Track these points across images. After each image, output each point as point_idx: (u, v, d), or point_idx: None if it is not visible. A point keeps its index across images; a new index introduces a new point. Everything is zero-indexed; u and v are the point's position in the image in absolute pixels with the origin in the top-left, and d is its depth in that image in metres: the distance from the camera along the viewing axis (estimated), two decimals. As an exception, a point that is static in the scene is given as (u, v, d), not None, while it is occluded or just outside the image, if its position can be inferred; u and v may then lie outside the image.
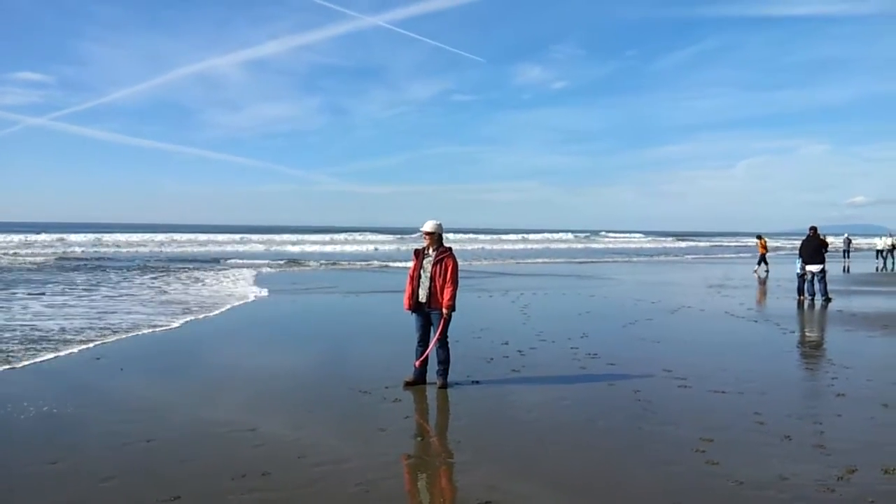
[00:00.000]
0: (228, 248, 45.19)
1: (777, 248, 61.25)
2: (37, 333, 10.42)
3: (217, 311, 13.71)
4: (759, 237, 29.75)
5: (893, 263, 33.43)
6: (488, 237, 77.48)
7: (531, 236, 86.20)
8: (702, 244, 78.22)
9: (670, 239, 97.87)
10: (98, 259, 32.06)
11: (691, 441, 5.47)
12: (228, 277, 22.31)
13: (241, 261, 31.90)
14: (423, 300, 7.27)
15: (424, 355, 7.35)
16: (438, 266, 7.23)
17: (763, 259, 28.13)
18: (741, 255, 49.68)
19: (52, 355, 8.92)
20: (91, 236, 53.88)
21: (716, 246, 73.13)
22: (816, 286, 16.38)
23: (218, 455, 5.13)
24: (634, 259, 42.32)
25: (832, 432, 5.73)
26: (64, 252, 36.63)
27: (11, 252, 35.25)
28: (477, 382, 7.57)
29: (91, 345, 9.74)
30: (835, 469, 4.82)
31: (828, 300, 15.99)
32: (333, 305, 15.82)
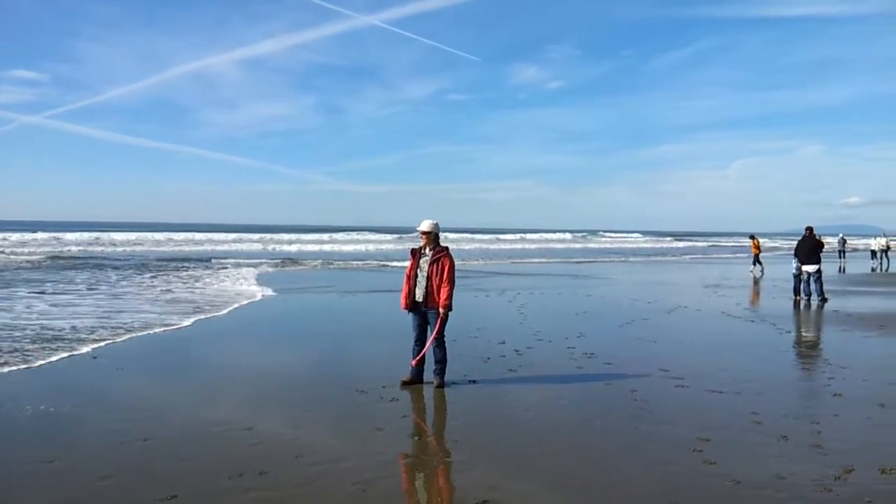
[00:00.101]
0: (225, 248, 45.09)
1: (774, 249, 61.39)
2: (49, 333, 10.36)
3: (226, 310, 13.71)
4: (751, 237, 29.82)
5: (888, 264, 33.52)
6: (486, 237, 77.56)
7: (529, 236, 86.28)
8: (699, 244, 78.32)
9: (668, 239, 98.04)
10: (94, 258, 31.95)
11: (688, 441, 5.47)
12: (229, 277, 22.24)
13: (238, 260, 31.79)
14: (420, 299, 7.27)
15: (421, 354, 7.34)
16: (435, 265, 7.22)
17: (756, 259, 28.19)
18: (738, 255, 49.77)
19: (66, 354, 8.90)
20: (87, 235, 53.71)
21: (713, 246, 73.27)
22: (812, 286, 16.43)
23: (215, 454, 5.12)
24: (631, 259, 42.35)
25: (829, 432, 5.75)
26: (61, 251, 36.45)
27: (8, 250, 35.11)
28: (474, 382, 7.56)
29: (103, 343, 9.74)
30: (832, 469, 4.83)
31: (824, 300, 16.03)
32: (335, 305, 15.80)
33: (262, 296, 16.56)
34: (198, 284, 19.23)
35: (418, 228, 7.35)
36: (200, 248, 44.09)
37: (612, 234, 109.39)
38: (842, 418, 6.21)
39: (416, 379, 7.39)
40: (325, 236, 66.42)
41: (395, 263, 31.12)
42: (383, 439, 5.53)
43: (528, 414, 6.36)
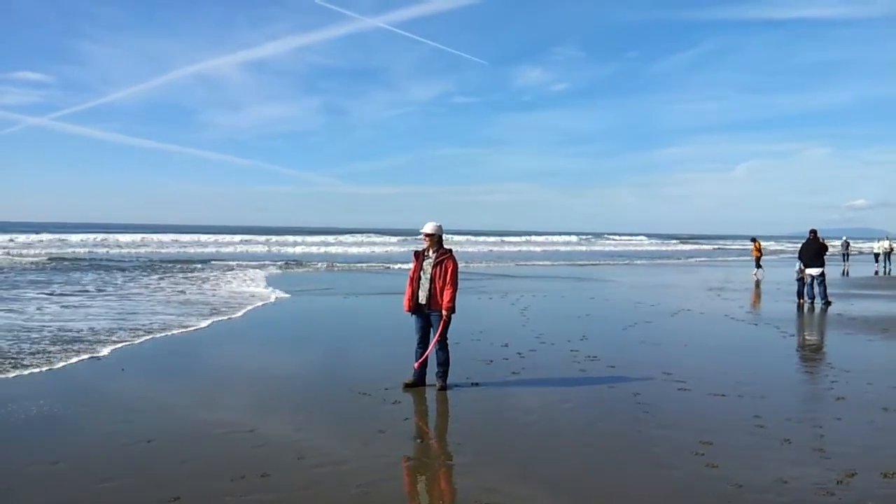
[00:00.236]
0: (230, 249, 45.18)
1: (779, 252, 61.31)
2: (68, 334, 10.39)
3: (242, 312, 13.75)
4: (753, 240, 29.73)
5: (890, 267, 33.40)
6: (491, 239, 77.56)
7: (534, 238, 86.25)
8: (705, 247, 78.17)
9: (674, 242, 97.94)
10: (99, 259, 32.06)
11: (691, 444, 5.47)
12: (237, 278, 22.28)
13: (245, 262, 31.77)
14: (423, 302, 7.28)
15: (424, 357, 7.35)
16: (438, 268, 7.24)
17: (758, 262, 28.12)
18: (742, 258, 49.66)
19: (87, 356, 8.93)
20: (91, 236, 53.90)
21: (717, 249, 73.15)
22: (816, 289, 16.39)
23: (218, 456, 5.14)
24: (636, 262, 42.29)
25: (832, 436, 5.74)
26: (66, 252, 36.59)
27: (14, 252, 35.22)
28: (476, 384, 7.57)
29: (122, 345, 9.81)
30: (834, 473, 4.82)
31: (827, 303, 16.00)
32: (343, 307, 15.81)
33: (276, 298, 16.59)
34: (208, 286, 19.26)
35: (421, 231, 7.37)
36: (205, 249, 44.12)
37: (618, 237, 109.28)
38: (844, 422, 6.20)
39: (418, 381, 7.40)
40: (331, 238, 66.45)
41: (398, 266, 31.15)
42: (386, 442, 5.53)
43: (530, 417, 6.36)
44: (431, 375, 7.43)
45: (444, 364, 7.36)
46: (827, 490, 4.50)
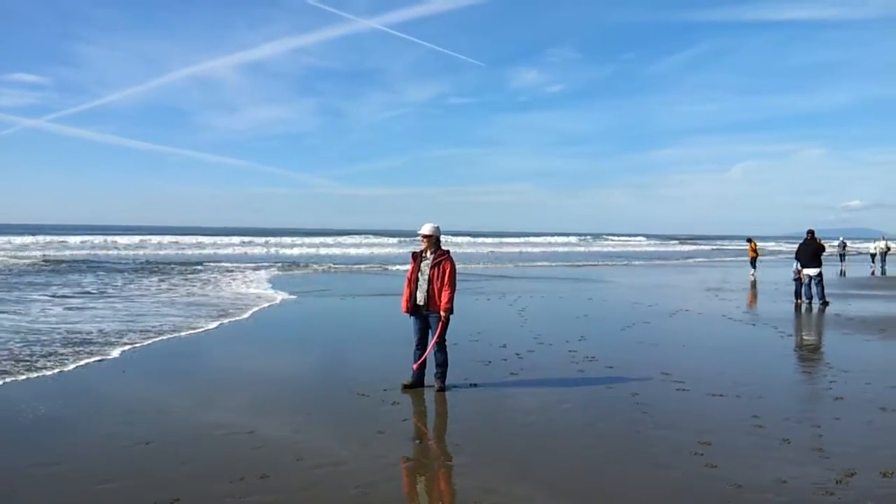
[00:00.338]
0: (229, 251, 44.99)
1: (777, 252, 61.46)
2: (77, 337, 10.35)
3: (248, 314, 13.74)
4: (749, 240, 29.79)
5: (884, 265, 33.46)
6: (490, 240, 77.55)
7: (533, 239, 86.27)
8: (704, 248, 78.23)
9: (674, 242, 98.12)
10: (97, 261, 31.97)
11: (689, 444, 5.47)
12: (237, 280, 22.24)
13: (245, 264, 31.57)
14: (422, 303, 7.28)
15: (423, 358, 7.35)
16: (436, 269, 7.23)
17: (753, 262, 28.15)
18: (740, 258, 49.70)
19: (99, 358, 8.92)
20: (88, 238, 53.73)
21: (715, 249, 73.23)
22: (814, 290, 16.42)
23: (217, 457, 5.13)
24: (634, 262, 42.32)
25: (830, 436, 5.74)
26: (63, 254, 36.50)
27: (10, 253, 35.09)
28: (475, 385, 7.56)
29: (133, 346, 9.80)
30: (833, 472, 4.82)
31: (825, 304, 16.02)
32: (346, 308, 15.81)
33: (282, 300, 16.57)
34: (211, 288, 19.21)
35: (419, 232, 7.37)
36: (202, 251, 44.05)
37: (616, 238, 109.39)
38: (843, 422, 6.20)
39: (417, 382, 7.39)
40: (330, 240, 66.27)
41: (398, 267, 31.15)
42: (384, 443, 5.53)
43: (528, 417, 6.36)
44: (430, 376, 7.42)
45: (442, 365, 7.35)
46: (826, 490, 4.50)
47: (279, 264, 31.46)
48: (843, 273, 30.64)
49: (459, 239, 73.02)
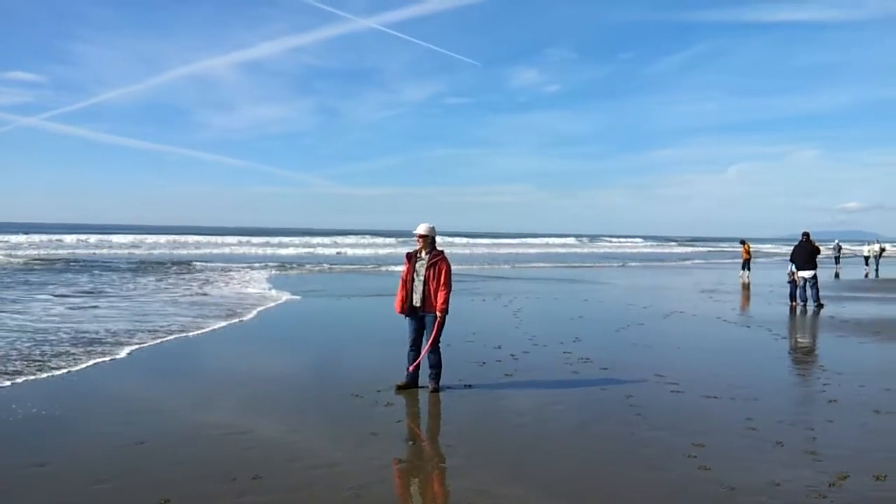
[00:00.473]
0: (227, 250, 44.84)
1: (774, 254, 61.64)
2: (85, 336, 10.31)
3: (254, 313, 13.72)
4: (742, 242, 29.88)
5: (877, 267, 33.55)
6: (487, 241, 77.60)
7: (530, 240, 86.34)
8: (700, 249, 78.30)
9: (672, 244, 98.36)
10: (96, 260, 31.89)
11: (683, 446, 5.47)
12: (240, 280, 22.16)
13: (243, 264, 31.32)
14: (418, 304, 7.27)
15: (419, 359, 7.33)
16: (432, 270, 7.23)
17: (747, 264, 28.21)
18: (737, 260, 49.71)
19: (108, 358, 8.89)
20: (84, 237, 53.60)
21: (711, 251, 73.32)
22: (808, 292, 16.45)
23: (210, 458, 5.11)
24: (630, 264, 42.36)
25: (824, 438, 5.75)
26: (70, 252, 36.39)
27: (6, 252, 34.92)
28: (469, 386, 7.55)
29: (143, 346, 9.81)
30: (826, 475, 4.83)
31: (820, 306, 16.06)
32: (349, 308, 15.80)
33: (286, 300, 16.55)
34: (211, 288, 19.13)
35: (414, 232, 7.35)
36: (201, 251, 43.81)
37: (615, 239, 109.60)
38: (837, 424, 6.21)
39: (411, 383, 7.38)
40: (328, 239, 66.15)
41: (398, 267, 31.11)
42: (378, 444, 5.51)
43: (523, 419, 6.35)
44: (423, 377, 7.41)
45: (436, 366, 7.34)
46: (819, 492, 4.50)
47: (278, 264, 31.36)
48: (837, 275, 30.71)
49: (456, 239, 73.06)
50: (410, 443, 5.69)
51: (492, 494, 4.44)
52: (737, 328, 12.78)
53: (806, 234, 17.26)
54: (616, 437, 5.78)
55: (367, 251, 50.90)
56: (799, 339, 11.86)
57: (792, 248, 17.79)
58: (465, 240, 75.63)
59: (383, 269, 30.87)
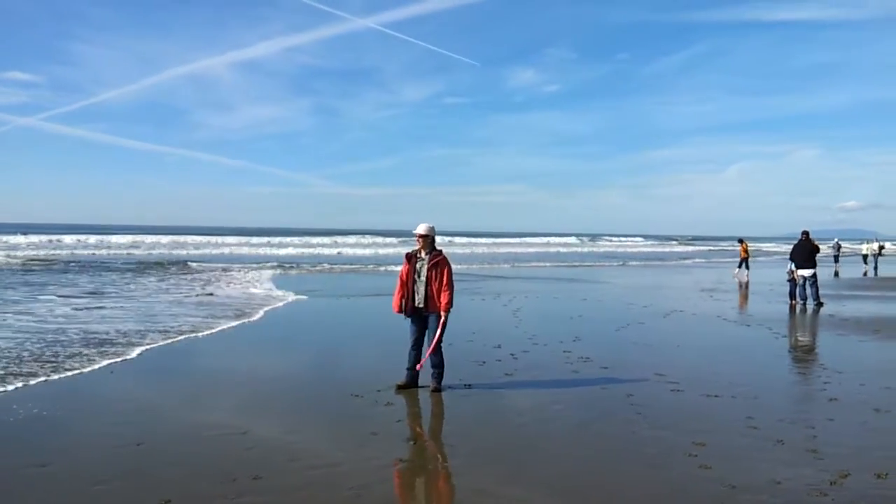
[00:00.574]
0: (226, 250, 44.76)
1: (773, 253, 61.68)
2: (96, 337, 10.29)
3: (261, 313, 13.72)
4: (740, 241, 30.00)
5: (876, 265, 33.59)
6: (486, 240, 77.60)
7: (530, 240, 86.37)
8: (702, 248, 78.28)
9: (673, 243, 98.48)
10: (96, 261, 31.86)
11: (684, 445, 5.46)
12: (242, 280, 22.11)
13: (244, 264, 31.16)
14: (420, 305, 7.26)
15: (424, 358, 7.32)
16: (434, 270, 7.22)
17: (745, 263, 28.25)
18: (737, 259, 49.75)
19: (120, 359, 8.88)
20: (82, 237, 53.54)
21: (713, 250, 73.35)
22: (808, 290, 16.46)
23: (209, 458, 5.10)
24: (631, 263, 42.36)
25: (825, 437, 5.74)
26: (59, 253, 36.35)
27: (4, 252, 34.86)
28: (469, 386, 7.54)
29: (151, 346, 9.84)
30: (827, 473, 4.82)
31: (819, 304, 16.06)
32: (355, 308, 15.79)
33: (292, 300, 16.56)
34: (212, 288, 19.10)
35: (415, 232, 7.33)
36: (200, 251, 43.69)
37: (615, 238, 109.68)
38: (837, 423, 6.21)
39: (411, 383, 7.37)
40: (328, 239, 66.06)
41: (395, 267, 31.09)
42: (378, 444, 5.50)
43: (523, 418, 6.35)
44: (423, 377, 7.40)
45: (438, 366, 7.33)
46: (820, 491, 4.50)
47: (279, 264, 31.30)
48: (837, 274, 30.73)
49: (455, 239, 73.04)
50: (411, 442, 5.68)
51: (492, 494, 4.43)
52: (737, 327, 12.78)
53: (805, 233, 17.27)
54: (617, 436, 5.77)
55: (368, 251, 50.70)
56: (799, 338, 11.86)
57: (791, 246, 17.82)
58: (465, 239, 75.70)
59: (385, 268, 30.83)
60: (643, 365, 8.78)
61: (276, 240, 59.92)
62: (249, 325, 12.28)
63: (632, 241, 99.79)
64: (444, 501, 4.48)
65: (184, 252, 41.74)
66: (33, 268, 26.20)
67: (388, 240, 70.41)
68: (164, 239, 55.36)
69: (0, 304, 14.34)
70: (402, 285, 7.35)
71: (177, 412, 6.44)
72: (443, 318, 7.21)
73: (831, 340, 11.41)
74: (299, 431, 5.81)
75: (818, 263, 16.96)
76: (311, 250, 48.15)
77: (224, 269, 26.80)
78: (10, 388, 7.17)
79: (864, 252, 37.13)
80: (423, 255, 7.33)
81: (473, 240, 77.45)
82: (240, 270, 26.56)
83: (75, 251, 39.30)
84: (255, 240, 58.79)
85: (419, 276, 7.27)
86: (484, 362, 8.85)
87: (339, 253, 46.51)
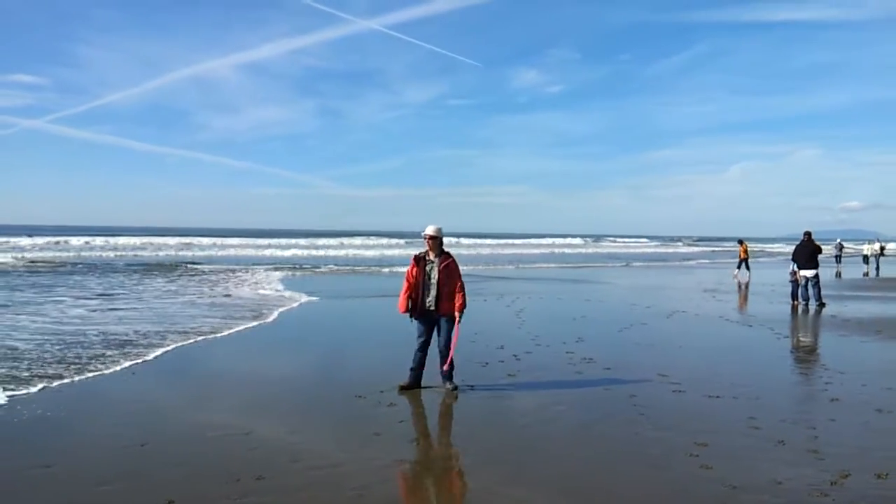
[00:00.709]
0: (233, 252, 44.77)
1: (776, 253, 61.58)
2: (116, 338, 10.33)
3: (276, 315, 13.76)
4: (740, 242, 30.03)
5: (878, 266, 33.52)
6: (490, 241, 77.60)
7: (534, 241, 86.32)
8: (706, 249, 78.16)
9: (679, 244, 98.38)
10: (103, 262, 31.92)
11: (686, 445, 5.48)
12: (251, 281, 22.11)
13: (252, 265, 31.02)
14: (432, 307, 7.28)
15: (449, 358, 7.34)
16: (444, 272, 7.26)
17: (745, 264, 28.23)
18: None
19: (140, 360, 8.92)
20: (88, 239, 53.61)
21: (717, 251, 73.23)
22: (810, 291, 16.44)
23: (213, 459, 5.13)
24: (634, 264, 42.32)
25: (826, 437, 5.76)
26: (67, 255, 36.42)
27: (11, 254, 34.87)
28: (472, 387, 7.56)
29: (172, 347, 9.90)
30: (828, 474, 4.84)
31: (821, 305, 16.05)
32: (360, 309, 15.83)
33: (305, 301, 16.59)
34: (221, 289, 19.08)
35: (425, 233, 7.34)
36: (206, 252, 43.66)
37: (620, 240, 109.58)
38: (839, 423, 6.22)
39: (414, 384, 7.40)
40: (334, 240, 65.99)
41: (404, 269, 31.09)
42: (381, 444, 5.53)
43: (526, 419, 6.37)
44: (427, 378, 7.43)
45: (450, 366, 7.38)
46: (821, 491, 4.51)
47: (288, 266, 31.34)
48: (839, 275, 30.66)
49: (463, 240, 73.03)
50: (414, 443, 5.70)
51: (496, 494, 4.46)
52: (739, 327, 12.78)
53: (808, 234, 17.26)
54: (619, 437, 5.79)
55: (375, 252, 50.66)
56: (801, 338, 11.85)
57: (794, 247, 17.81)
58: (470, 240, 75.68)
59: (390, 270, 30.82)
60: (646, 366, 8.80)
61: (283, 241, 59.91)
62: (266, 326, 12.33)
63: (636, 242, 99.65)
64: (446, 501, 4.50)
65: (190, 253, 41.81)
66: (40, 269, 26.27)
67: (394, 241, 70.43)
68: (170, 241, 55.39)
69: (12, 305, 14.40)
70: (408, 286, 7.37)
71: (183, 413, 6.47)
72: (458, 318, 7.28)
73: (833, 341, 11.40)
74: (302, 432, 5.84)
75: (820, 264, 16.94)
76: (317, 252, 48.15)
77: (233, 271, 26.77)
78: (33, 389, 7.21)
79: (865, 253, 37.04)
80: (431, 257, 7.36)
81: (479, 241, 77.51)
82: (248, 272, 26.54)
83: (83, 253, 39.32)
84: (260, 241, 58.80)
85: (430, 279, 7.30)
86: (487, 363, 8.87)
87: (347, 255, 46.47)
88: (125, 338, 10.40)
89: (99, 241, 52.11)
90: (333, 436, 5.73)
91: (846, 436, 5.82)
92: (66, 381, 7.64)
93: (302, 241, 61.75)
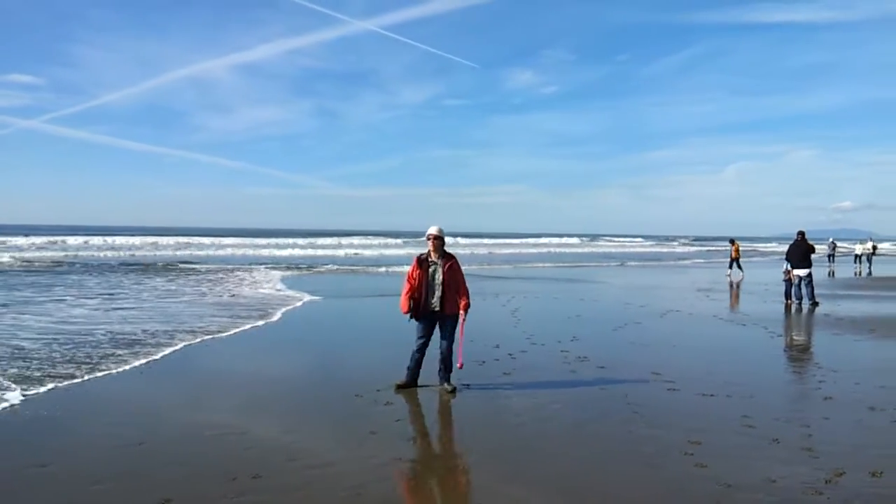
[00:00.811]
0: (229, 252, 44.48)
1: (769, 253, 61.77)
2: (124, 337, 10.33)
3: (279, 314, 13.77)
4: (731, 241, 30.18)
5: (870, 266, 33.71)
6: (487, 241, 77.63)
7: (531, 240, 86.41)
8: (700, 249, 78.36)
9: (675, 244, 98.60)
10: (100, 261, 31.82)
11: (680, 444, 5.51)
12: (251, 281, 22.06)
13: (250, 265, 30.88)
14: (437, 308, 7.30)
15: (460, 355, 7.39)
16: (448, 273, 7.29)
17: (736, 263, 28.35)
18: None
19: (149, 359, 8.94)
20: (84, 239, 53.46)
21: (712, 250, 73.42)
22: (804, 290, 16.52)
23: (209, 458, 5.14)
24: (629, 263, 42.40)
25: (820, 435, 5.79)
26: (64, 255, 36.29)
27: (8, 254, 34.71)
28: (468, 386, 7.58)
29: (181, 345, 9.95)
30: (822, 472, 4.87)
31: (815, 304, 16.12)
32: (361, 308, 15.82)
33: (307, 300, 16.60)
34: (220, 289, 19.02)
35: (428, 233, 7.33)
36: (203, 252, 43.41)
37: (615, 239, 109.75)
38: (832, 421, 6.26)
39: (411, 382, 7.42)
40: (332, 240, 65.91)
41: (403, 268, 31.08)
42: (377, 443, 5.55)
43: (521, 418, 6.39)
44: (424, 377, 7.45)
45: (448, 367, 7.41)
46: (815, 489, 4.55)
47: (287, 265, 31.27)
48: (832, 274, 30.80)
49: (461, 240, 73.07)
50: (410, 442, 5.72)
51: (493, 492, 4.48)
52: (733, 326, 12.83)
53: (801, 234, 17.34)
54: (614, 436, 5.82)
55: (374, 252, 50.60)
56: (794, 337, 11.91)
57: (787, 246, 17.89)
58: (467, 240, 75.72)
59: (385, 269, 30.84)
60: (640, 364, 8.83)
61: (280, 241, 59.82)
62: (271, 325, 12.34)
63: (631, 242, 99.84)
64: (443, 500, 4.52)
65: (187, 253, 41.71)
66: (37, 269, 26.16)
67: (391, 240, 70.37)
68: (166, 240, 55.22)
69: (14, 304, 14.36)
70: (410, 287, 7.36)
71: (181, 412, 6.47)
72: (462, 318, 7.34)
73: (826, 339, 11.46)
74: (299, 431, 5.85)
75: (813, 263, 17.02)
76: (315, 251, 48.09)
77: (232, 271, 26.68)
78: (42, 389, 7.21)
79: (857, 252, 37.23)
80: (434, 258, 7.38)
81: (475, 240, 77.53)
82: (249, 271, 26.48)
83: (79, 253, 39.16)
84: (259, 241, 58.66)
85: (434, 280, 7.31)
86: (483, 362, 8.89)
87: (346, 254, 46.41)
88: (133, 337, 10.41)
89: (96, 240, 51.97)
90: (330, 435, 5.74)
91: (840, 434, 5.86)
92: (76, 380, 7.64)
93: (300, 241, 61.69)
